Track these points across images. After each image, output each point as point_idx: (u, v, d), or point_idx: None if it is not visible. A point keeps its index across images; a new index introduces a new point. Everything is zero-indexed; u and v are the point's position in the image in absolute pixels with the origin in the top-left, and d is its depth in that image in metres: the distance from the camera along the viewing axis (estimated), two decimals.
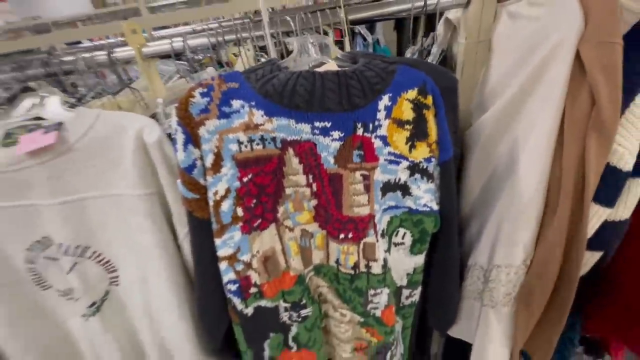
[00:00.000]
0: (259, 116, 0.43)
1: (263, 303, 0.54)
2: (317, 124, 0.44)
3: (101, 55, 0.56)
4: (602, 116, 0.38)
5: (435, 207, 0.54)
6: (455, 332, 0.75)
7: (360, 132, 0.46)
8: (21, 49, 0.67)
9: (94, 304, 0.53)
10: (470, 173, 0.61)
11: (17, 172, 0.45)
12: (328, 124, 0.44)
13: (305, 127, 0.44)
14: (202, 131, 0.42)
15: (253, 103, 0.43)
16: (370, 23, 1.17)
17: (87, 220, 0.49)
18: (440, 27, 0.68)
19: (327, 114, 0.43)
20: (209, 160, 0.43)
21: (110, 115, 0.49)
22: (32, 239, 0.50)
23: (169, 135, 0.48)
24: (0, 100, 0.60)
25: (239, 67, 0.70)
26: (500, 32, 0.56)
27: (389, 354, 0.65)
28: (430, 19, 0.66)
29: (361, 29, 1.14)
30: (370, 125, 0.46)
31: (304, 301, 0.56)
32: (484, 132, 0.55)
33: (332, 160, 0.46)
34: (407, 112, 0.47)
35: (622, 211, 0.46)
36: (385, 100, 0.46)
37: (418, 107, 0.47)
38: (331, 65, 0.46)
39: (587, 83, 0.39)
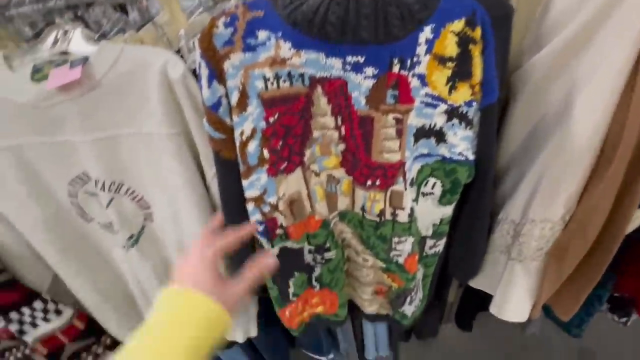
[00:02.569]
0: (286, 49, 0.39)
1: (288, 244, 0.55)
2: (349, 58, 0.40)
3: None
4: None
5: (471, 156, 0.50)
6: (476, 283, 0.75)
7: (396, 69, 0.42)
8: None
9: (132, 236, 0.57)
10: (513, 120, 0.56)
11: (50, 108, 0.46)
12: (361, 59, 0.40)
13: (337, 62, 0.40)
14: (227, 66, 0.40)
15: (280, 34, 0.39)
16: None
17: (120, 157, 0.50)
18: None
19: (360, 47, 0.39)
20: (234, 98, 0.41)
21: (133, 50, 0.47)
22: (72, 174, 0.52)
23: (194, 72, 0.46)
24: (27, 36, 0.59)
25: None
26: None
27: (408, 298, 0.67)
28: None
29: None
30: (409, 62, 0.41)
31: (327, 245, 0.57)
32: (536, 73, 0.49)
33: (363, 101, 0.43)
34: (450, 46, 0.42)
35: None
36: (427, 32, 0.40)
37: (464, 41, 0.42)
38: None
39: None
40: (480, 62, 0.43)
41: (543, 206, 0.52)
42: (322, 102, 0.43)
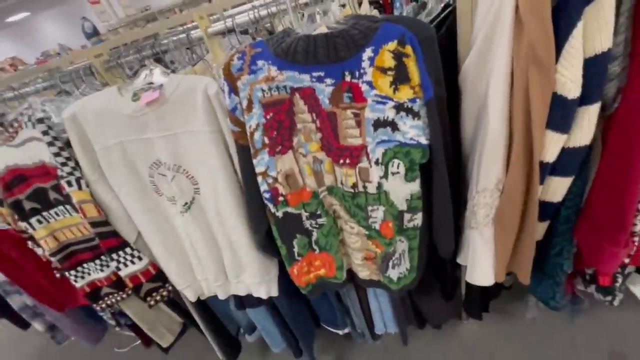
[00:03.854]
0: (274, 70, 0.61)
1: (289, 210, 0.76)
2: (314, 73, 0.60)
3: (182, 35, 0.82)
4: (537, 52, 0.46)
5: (424, 141, 0.66)
6: (461, 259, 0.86)
7: (348, 78, 0.61)
8: (136, 38, 0.97)
9: (186, 203, 0.83)
10: (464, 112, 0.70)
11: (141, 117, 0.75)
12: (322, 73, 0.60)
13: (306, 77, 0.61)
14: (239, 84, 0.63)
15: (270, 61, 0.61)
16: None
17: (179, 147, 0.77)
18: None
19: (320, 66, 0.59)
20: (245, 104, 0.64)
21: (188, 78, 0.74)
22: (151, 160, 0.80)
23: (222, 89, 0.71)
24: (129, 74, 0.91)
25: None
26: None
27: (390, 262, 0.82)
28: None
29: None
30: (357, 73, 0.60)
31: (319, 212, 0.76)
32: (468, 74, 0.64)
33: (327, 102, 0.63)
34: (388, 60, 0.60)
35: (580, 138, 0.52)
36: (368, 52, 0.59)
37: (398, 55, 0.59)
38: (322, 29, 0.61)
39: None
40: (415, 69, 0.60)
41: (483, 178, 0.65)
42: (300, 104, 0.64)
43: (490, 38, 0.55)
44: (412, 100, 0.62)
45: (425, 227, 0.79)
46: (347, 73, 0.60)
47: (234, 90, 0.64)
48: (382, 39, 0.59)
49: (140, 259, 0.91)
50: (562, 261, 0.70)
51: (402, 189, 0.73)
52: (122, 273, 0.90)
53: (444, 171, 0.71)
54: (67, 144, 0.79)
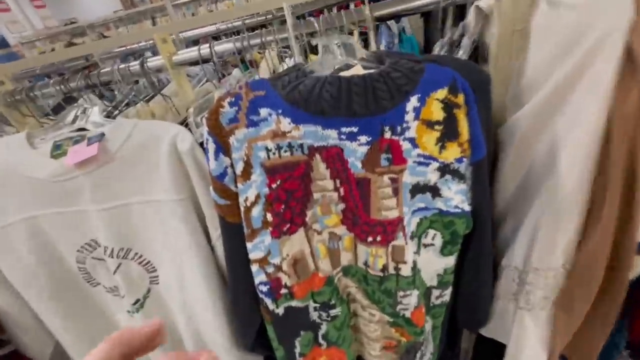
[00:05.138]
0: (286, 124, 0.43)
1: (293, 303, 0.55)
2: (344, 129, 0.43)
3: (135, 66, 0.59)
4: None
5: (467, 207, 0.52)
6: (487, 332, 0.73)
7: (387, 135, 0.45)
8: (65, 57, 0.71)
9: (137, 301, 0.57)
10: (505, 171, 0.59)
11: (67, 182, 0.49)
12: (355, 129, 0.43)
13: (332, 133, 0.44)
14: (232, 140, 0.43)
15: (280, 111, 0.43)
16: (396, 18, 1.14)
17: (129, 224, 0.53)
18: (471, 17, 0.65)
19: (354, 119, 0.43)
20: (239, 168, 0.44)
21: (145, 125, 0.51)
22: (82, 242, 0.54)
23: (201, 144, 0.50)
24: (46, 111, 0.65)
25: (264, 68, 0.70)
26: (538, 21, 0.52)
27: (418, 353, 0.65)
28: (460, 6, 0.63)
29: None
30: (398, 128, 0.45)
31: (333, 301, 0.57)
32: (520, 127, 0.52)
33: (359, 165, 0.46)
34: (436, 112, 0.46)
35: None
36: (413, 102, 0.44)
37: (448, 106, 0.46)
38: (357, 69, 0.45)
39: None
40: (465, 123, 0.47)
41: (543, 255, 0.52)
42: (321, 168, 0.46)
43: (565, 89, 0.44)
44: (459, 160, 0.48)
45: (450, 300, 0.64)
46: (387, 128, 0.44)
47: (223, 148, 0.44)
48: (430, 85, 0.45)
49: None
50: (618, 340, 0.60)
51: (435, 263, 0.58)
52: None
53: (488, 242, 0.58)
54: None
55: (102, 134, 0.50)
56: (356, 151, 0.45)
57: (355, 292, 0.60)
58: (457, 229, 0.53)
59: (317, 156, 0.45)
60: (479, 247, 0.58)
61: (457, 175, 0.50)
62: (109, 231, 0.52)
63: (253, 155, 0.44)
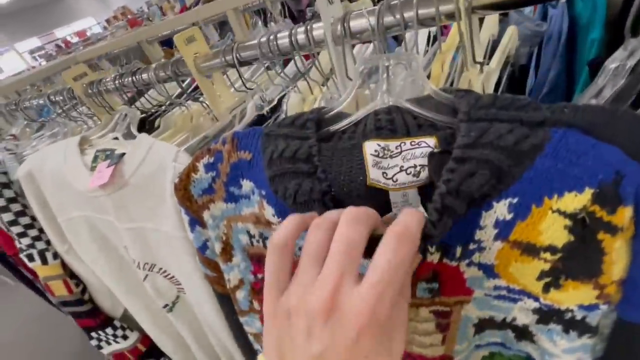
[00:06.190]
0: (270, 214, 0.29)
1: None
2: None
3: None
4: None
5: None
6: None
7: (434, 258, 0.26)
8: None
9: (166, 305, 0.60)
10: None
11: (95, 199, 0.50)
12: None
13: None
14: (207, 216, 0.32)
15: (264, 193, 0.29)
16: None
17: (149, 244, 0.52)
18: None
19: None
20: (217, 248, 0.34)
21: (159, 148, 0.45)
22: (122, 244, 0.57)
23: None
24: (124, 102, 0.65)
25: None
26: None
27: None
28: None
29: None
30: (458, 250, 0.25)
31: None
32: None
33: None
34: (551, 233, 0.23)
35: None
36: (499, 211, 0.23)
37: (586, 226, 0.22)
38: (430, 141, 0.24)
39: None
40: (623, 254, 0.23)
41: None
42: None
43: None
44: (589, 308, 0.25)
45: None
46: (432, 249, 0.25)
47: (198, 221, 0.34)
48: (546, 184, 0.22)
49: (125, 338, 0.73)
50: None
51: None
52: (104, 351, 0.74)
53: None
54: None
55: (122, 155, 0.46)
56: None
57: None
58: None
59: None
60: None
61: (577, 327, 0.27)
62: (134, 247, 0.52)
63: (233, 237, 0.33)
